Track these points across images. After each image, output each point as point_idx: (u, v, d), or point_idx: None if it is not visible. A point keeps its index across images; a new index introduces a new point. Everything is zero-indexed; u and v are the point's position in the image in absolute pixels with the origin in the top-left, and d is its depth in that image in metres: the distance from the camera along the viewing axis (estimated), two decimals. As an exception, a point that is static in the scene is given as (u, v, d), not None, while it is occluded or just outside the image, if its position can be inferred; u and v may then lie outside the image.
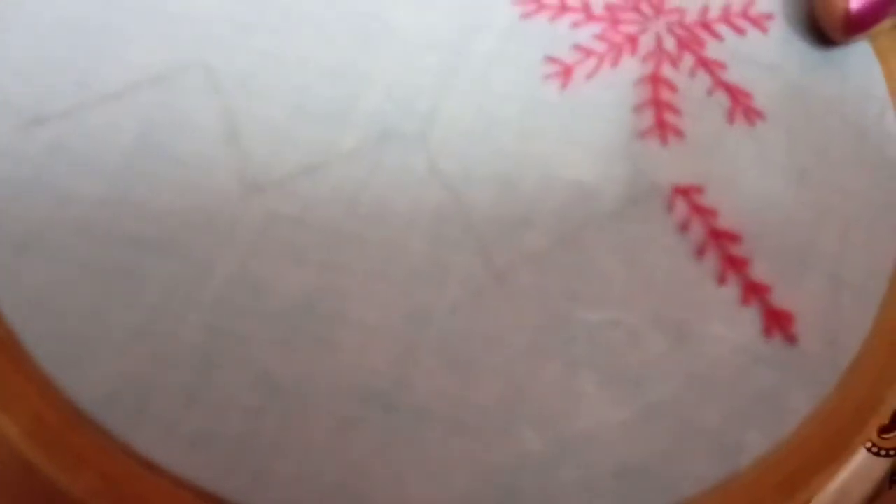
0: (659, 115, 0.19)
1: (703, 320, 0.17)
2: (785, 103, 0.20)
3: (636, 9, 0.21)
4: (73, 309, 0.16)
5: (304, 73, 0.19)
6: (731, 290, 0.18)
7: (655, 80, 0.20)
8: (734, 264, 0.18)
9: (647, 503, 0.16)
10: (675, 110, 0.20)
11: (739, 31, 0.21)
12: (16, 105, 0.17)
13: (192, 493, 0.15)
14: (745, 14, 0.21)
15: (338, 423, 0.16)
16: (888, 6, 0.20)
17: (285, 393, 0.16)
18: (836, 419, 0.17)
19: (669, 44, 0.20)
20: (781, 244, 0.18)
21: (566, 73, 0.20)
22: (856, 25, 0.20)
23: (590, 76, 0.20)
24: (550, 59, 0.20)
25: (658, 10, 0.21)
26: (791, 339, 0.17)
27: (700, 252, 0.18)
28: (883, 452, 0.29)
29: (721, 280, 0.18)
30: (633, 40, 0.20)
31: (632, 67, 0.20)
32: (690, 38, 0.21)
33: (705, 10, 0.21)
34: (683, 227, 0.18)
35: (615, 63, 0.20)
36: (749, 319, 0.18)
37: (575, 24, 0.20)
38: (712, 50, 0.21)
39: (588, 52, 0.20)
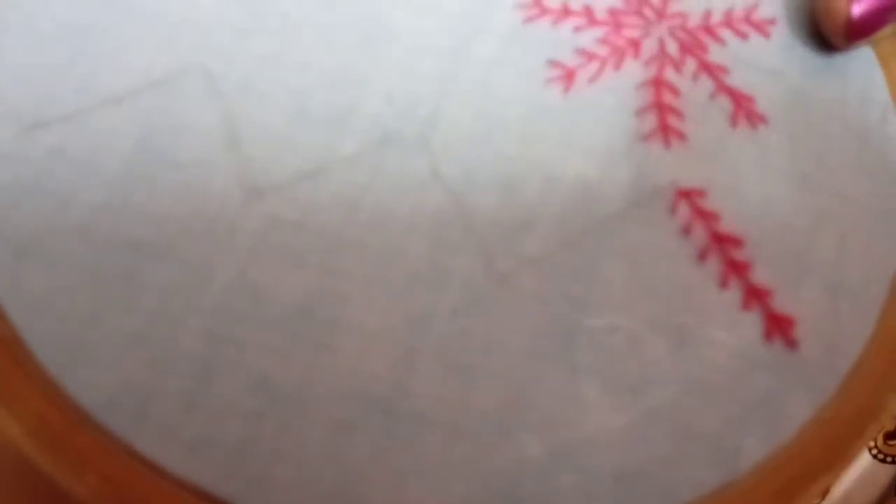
0: (662, 118, 0.19)
1: (704, 325, 0.17)
2: (787, 108, 0.20)
3: (639, 13, 0.21)
4: (75, 312, 0.16)
5: (305, 77, 0.19)
6: (733, 295, 0.18)
7: (658, 83, 0.20)
8: (736, 269, 0.18)
9: (646, 508, 0.16)
10: (678, 114, 0.20)
11: (742, 36, 0.21)
12: (17, 110, 0.18)
13: (193, 496, 0.15)
14: (747, 19, 0.21)
15: (337, 428, 0.16)
16: (890, 12, 0.20)
17: (285, 397, 0.16)
18: (836, 425, 0.17)
19: (672, 48, 0.20)
20: (783, 249, 0.18)
21: (568, 76, 0.20)
22: (857, 31, 0.20)
23: (592, 80, 0.20)
24: (553, 63, 0.20)
25: (661, 15, 0.21)
26: (791, 344, 0.17)
27: (702, 256, 0.18)
28: (889, 459, 0.29)
29: (723, 284, 0.18)
30: (635, 44, 0.20)
31: (634, 71, 0.20)
32: (693, 43, 0.21)
33: (708, 14, 0.21)
34: (686, 231, 0.18)
35: (618, 67, 0.20)
36: (750, 324, 0.18)
37: (577, 29, 0.20)
38: (715, 54, 0.21)
39: (590, 56, 0.20)
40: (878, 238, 0.19)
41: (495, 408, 0.16)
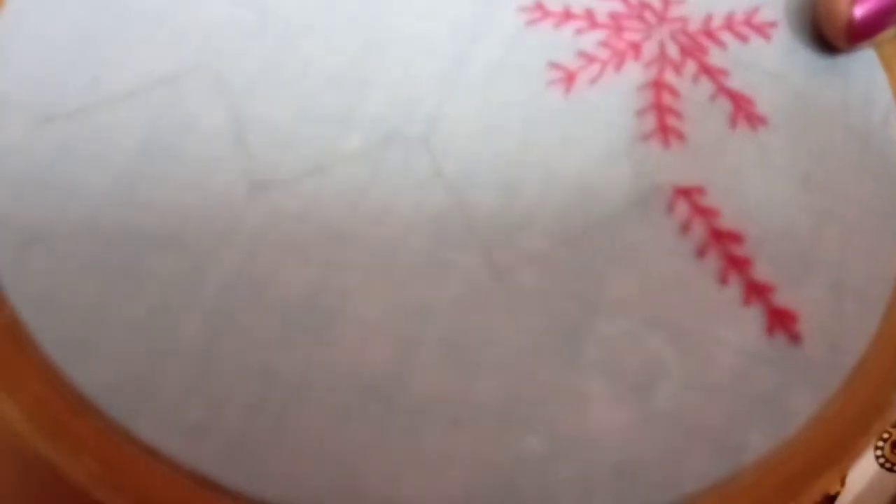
0: (661, 118, 0.20)
1: (704, 320, 0.17)
2: (788, 109, 0.20)
3: (640, 17, 0.21)
4: (79, 300, 0.16)
5: (309, 77, 0.19)
6: (733, 291, 0.18)
7: (658, 85, 0.20)
8: (736, 264, 0.18)
9: (647, 500, 0.16)
10: (678, 115, 0.20)
11: (742, 39, 0.21)
12: (28, 105, 0.18)
13: (190, 481, 0.15)
14: (748, 22, 0.21)
15: (336, 416, 0.16)
16: (892, 15, 0.20)
17: (284, 385, 0.16)
18: (840, 422, 0.17)
19: (672, 51, 0.21)
20: (784, 246, 0.18)
21: (569, 78, 0.20)
22: (859, 33, 0.20)
23: (593, 82, 0.20)
24: (554, 65, 0.20)
25: (661, 19, 0.21)
26: (794, 337, 0.17)
27: (701, 252, 0.18)
28: (897, 469, 0.28)
29: (723, 280, 0.18)
30: (636, 47, 0.21)
31: (635, 73, 0.20)
32: (693, 46, 0.21)
33: (709, 18, 0.21)
34: (685, 229, 0.18)
35: (618, 69, 0.20)
36: (751, 319, 0.17)
37: (579, 32, 0.21)
38: (715, 57, 0.21)
39: (591, 59, 0.20)
40: (882, 237, 0.19)
41: (494, 400, 0.16)
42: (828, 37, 0.21)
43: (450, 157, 0.19)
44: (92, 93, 0.18)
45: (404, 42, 0.20)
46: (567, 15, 0.21)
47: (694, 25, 0.21)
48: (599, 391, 0.17)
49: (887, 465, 0.28)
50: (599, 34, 0.21)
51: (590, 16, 0.21)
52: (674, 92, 0.20)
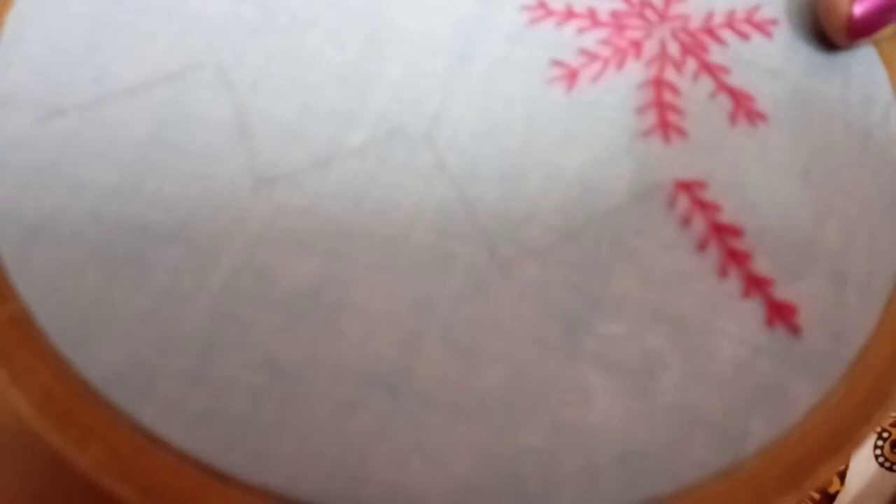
0: (662, 115, 0.20)
1: (705, 313, 0.18)
2: (788, 106, 0.20)
3: (641, 15, 0.21)
4: (85, 290, 0.16)
5: (314, 73, 0.19)
6: (733, 284, 0.18)
7: (659, 83, 0.20)
8: (736, 258, 0.18)
9: (650, 490, 0.16)
10: (678, 111, 0.20)
11: (743, 37, 0.21)
12: (35, 98, 0.18)
13: (195, 468, 0.15)
14: (749, 20, 0.22)
15: (340, 406, 0.16)
16: (892, 12, 0.21)
17: (288, 375, 0.16)
18: (842, 412, 0.17)
19: (673, 49, 0.21)
20: (784, 240, 0.19)
21: (571, 76, 0.20)
22: (859, 30, 0.20)
23: (594, 79, 0.20)
24: (556, 63, 0.20)
25: (662, 17, 0.21)
26: (794, 329, 0.17)
27: (701, 246, 0.18)
28: (897, 468, 0.28)
29: (722, 273, 0.18)
30: (637, 45, 0.21)
31: (636, 71, 0.21)
32: (694, 44, 0.21)
33: (710, 16, 0.21)
34: (685, 222, 0.18)
35: (620, 67, 0.21)
36: (751, 312, 0.18)
37: (581, 30, 0.21)
38: (715, 55, 0.21)
39: (593, 57, 0.21)
40: (882, 231, 0.19)
41: (498, 390, 0.16)
42: (828, 34, 0.21)
43: (453, 153, 0.19)
44: (98, 87, 0.18)
45: (409, 39, 0.20)
46: (569, 13, 0.21)
47: (695, 23, 0.21)
48: (602, 382, 0.17)
49: (887, 464, 0.28)
50: (601, 32, 0.21)
51: (592, 14, 0.21)
52: (674, 89, 0.20)
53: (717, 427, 0.16)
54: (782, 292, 0.18)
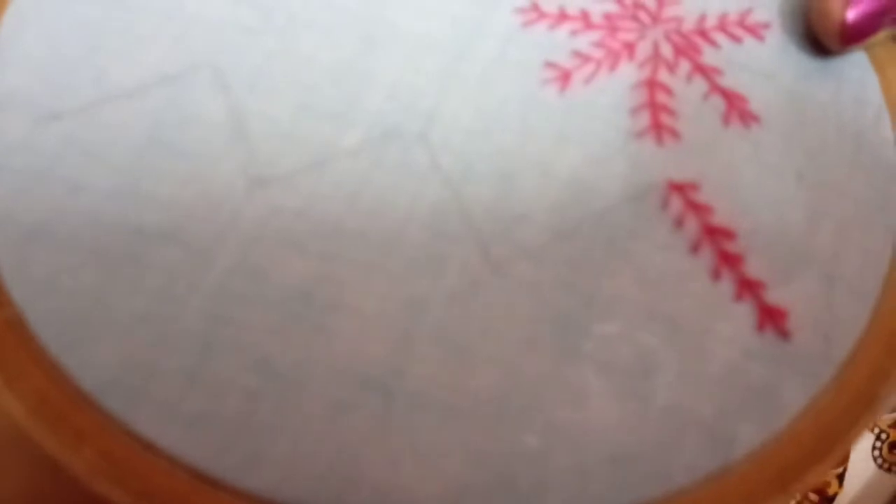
0: (655, 116, 0.20)
1: (697, 315, 0.18)
2: (780, 108, 0.20)
3: (634, 17, 0.21)
4: (79, 293, 0.16)
5: (310, 73, 0.19)
6: (725, 286, 0.18)
7: (652, 84, 0.20)
8: (728, 261, 0.18)
9: (641, 491, 0.16)
10: (671, 112, 0.20)
11: (736, 39, 0.21)
12: (32, 101, 0.18)
13: (188, 473, 0.15)
14: (741, 23, 0.22)
15: (333, 407, 0.16)
16: (884, 17, 0.21)
17: (282, 377, 0.16)
18: (831, 414, 0.17)
19: (666, 50, 0.21)
20: (776, 242, 0.19)
21: (565, 77, 0.20)
22: (852, 35, 0.21)
23: (588, 81, 0.20)
24: (550, 65, 0.20)
25: (655, 19, 0.21)
26: (784, 334, 0.18)
27: (694, 248, 0.18)
28: (894, 468, 0.28)
29: (715, 276, 0.18)
30: (630, 47, 0.21)
31: (629, 73, 0.21)
32: (687, 46, 0.21)
33: (702, 19, 0.22)
34: (678, 224, 0.18)
35: (613, 68, 0.21)
36: (743, 314, 0.18)
37: (574, 32, 0.21)
38: (708, 57, 0.21)
39: (586, 58, 0.21)
40: (873, 232, 0.19)
41: (491, 392, 0.17)
42: (821, 39, 0.21)
43: (447, 153, 0.19)
44: (95, 90, 0.18)
45: (403, 40, 0.20)
46: (562, 16, 0.21)
47: (688, 25, 0.21)
48: (594, 383, 0.17)
49: (885, 465, 0.28)
50: (594, 34, 0.21)
51: (585, 17, 0.21)
52: (668, 90, 0.20)
53: (708, 430, 0.17)
54: (774, 295, 0.18)
